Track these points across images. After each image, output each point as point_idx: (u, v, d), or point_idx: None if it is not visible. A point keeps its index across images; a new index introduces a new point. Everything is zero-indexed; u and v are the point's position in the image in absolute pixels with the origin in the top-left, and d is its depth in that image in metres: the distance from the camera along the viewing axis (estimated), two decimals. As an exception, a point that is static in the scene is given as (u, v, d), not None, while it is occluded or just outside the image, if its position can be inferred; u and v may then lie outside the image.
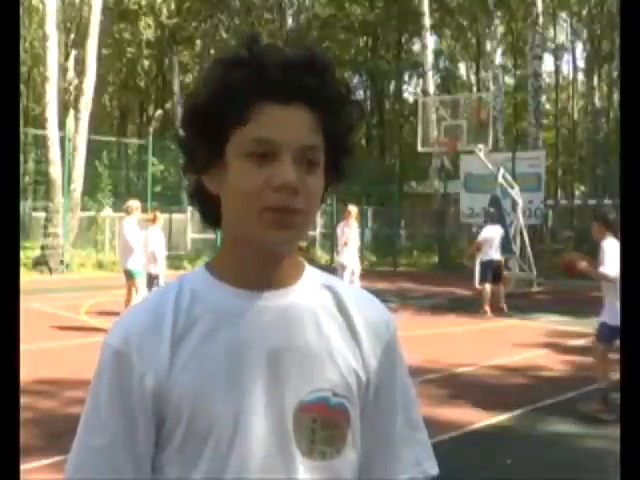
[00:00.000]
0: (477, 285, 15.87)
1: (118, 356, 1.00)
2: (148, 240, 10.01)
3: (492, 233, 12.51)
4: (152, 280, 10.62)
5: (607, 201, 22.27)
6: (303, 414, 1.01)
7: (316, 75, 0.99)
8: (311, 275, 1.10)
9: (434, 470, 1.14)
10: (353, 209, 11.73)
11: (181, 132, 1.04)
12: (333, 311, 1.08)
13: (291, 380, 1.01)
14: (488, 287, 12.29)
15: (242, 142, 0.97)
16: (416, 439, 1.14)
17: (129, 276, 9.56)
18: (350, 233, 11.44)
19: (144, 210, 21.15)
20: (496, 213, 13.43)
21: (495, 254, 12.62)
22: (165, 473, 1.02)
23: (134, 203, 9.93)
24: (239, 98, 0.97)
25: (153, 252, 9.99)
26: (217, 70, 1.00)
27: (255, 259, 1.02)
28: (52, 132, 18.64)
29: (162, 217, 11.03)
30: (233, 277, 1.04)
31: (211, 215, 1.07)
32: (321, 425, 1.02)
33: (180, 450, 1.00)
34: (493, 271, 12.47)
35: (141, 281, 9.57)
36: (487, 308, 12.08)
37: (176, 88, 30.26)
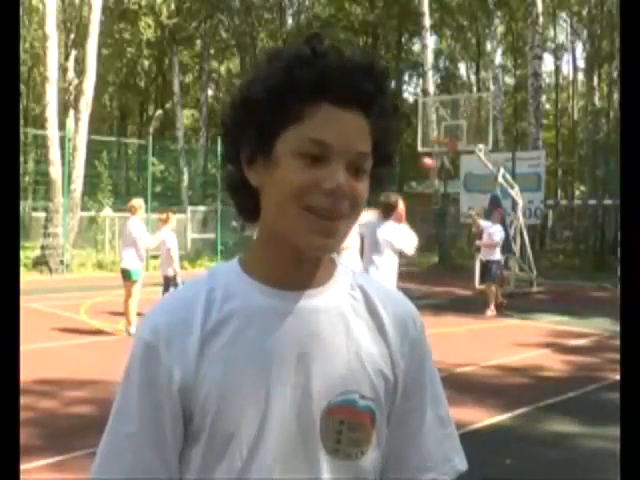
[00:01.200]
0: (477, 285, 15.90)
1: (147, 348, 1.01)
2: (164, 241, 10.00)
3: (501, 233, 12.61)
4: (169, 282, 10.60)
5: (607, 201, 22.24)
6: (330, 416, 1.01)
7: (374, 82, 0.98)
8: (342, 274, 1.10)
9: (463, 465, 1.15)
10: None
11: (228, 121, 1.03)
12: (362, 311, 1.07)
13: (319, 382, 1.01)
14: (494, 287, 12.32)
15: (296, 140, 0.96)
16: (445, 434, 1.14)
17: (127, 276, 9.44)
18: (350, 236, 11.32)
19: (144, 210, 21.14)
20: (503, 213, 13.51)
21: (499, 254, 12.67)
22: (191, 468, 1.02)
23: (137, 202, 9.79)
24: (299, 95, 0.96)
25: (169, 253, 9.98)
26: (278, 64, 0.98)
27: (290, 259, 1.02)
28: (52, 132, 18.64)
29: (174, 218, 11.04)
30: (266, 275, 1.03)
31: (248, 209, 1.06)
32: (348, 427, 1.02)
33: (206, 446, 1.00)
34: (499, 271, 12.57)
35: (139, 282, 9.48)
36: (493, 308, 12.10)
37: (176, 88, 30.24)
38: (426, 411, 1.12)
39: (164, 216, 10.69)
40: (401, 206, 8.35)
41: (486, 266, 12.73)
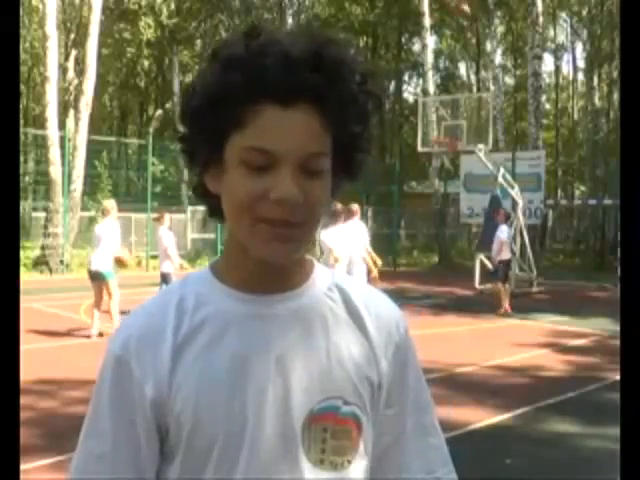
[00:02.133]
0: (477, 285, 15.91)
1: (118, 362, 0.97)
2: (160, 240, 10.20)
3: (507, 232, 12.65)
4: (165, 279, 10.72)
5: (607, 201, 22.24)
6: (313, 424, 0.96)
7: (324, 71, 0.89)
8: (320, 275, 1.04)
9: (451, 477, 1.09)
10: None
11: (181, 128, 0.97)
12: (342, 313, 1.02)
13: (299, 388, 0.95)
14: (505, 286, 12.35)
15: (238, 148, 0.90)
16: (428, 444, 1.08)
17: (101, 278, 9.22)
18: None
19: (142, 210, 21.14)
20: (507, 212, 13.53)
21: (508, 253, 12.72)
22: None
23: (109, 203, 9.73)
24: (235, 100, 0.88)
25: (166, 252, 10.15)
26: (213, 66, 0.91)
27: (259, 265, 0.96)
28: (52, 132, 18.64)
29: (168, 217, 11.13)
30: (238, 281, 0.98)
31: (215, 211, 1.00)
32: (332, 435, 0.97)
33: (183, 465, 0.95)
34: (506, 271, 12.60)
35: (114, 284, 9.28)
36: (507, 306, 12.12)
37: (176, 88, 30.23)
38: (407, 418, 1.06)
39: (158, 216, 10.86)
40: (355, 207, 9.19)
41: (497, 265, 12.72)
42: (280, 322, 0.97)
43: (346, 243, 8.47)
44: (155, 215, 10.51)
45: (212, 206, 1.00)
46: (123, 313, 9.79)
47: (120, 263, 9.62)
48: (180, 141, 0.98)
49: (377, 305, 1.06)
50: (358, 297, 1.04)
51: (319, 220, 0.95)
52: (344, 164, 0.96)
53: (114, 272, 9.41)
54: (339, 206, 8.39)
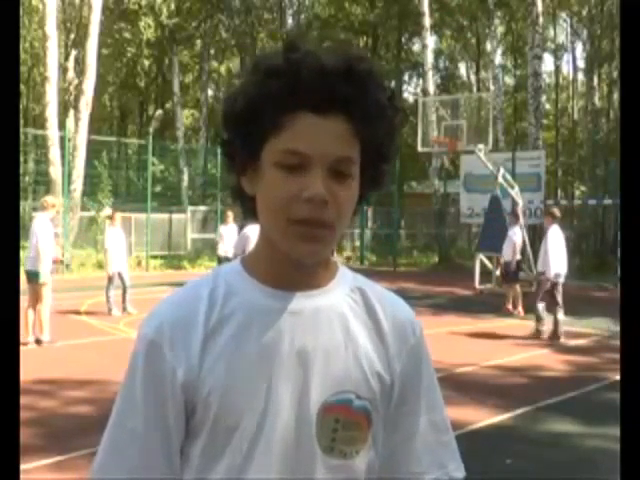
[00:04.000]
0: (477, 285, 15.91)
1: (151, 346, 1.03)
2: (105, 240, 10.55)
3: (519, 234, 12.61)
4: (110, 281, 10.90)
5: (607, 201, 22.24)
6: (326, 414, 1.03)
7: (355, 84, 0.98)
8: (343, 276, 1.11)
9: (460, 473, 1.15)
10: None
11: (223, 133, 1.05)
12: (361, 313, 1.09)
13: (317, 381, 1.03)
14: (518, 287, 12.32)
15: (275, 151, 0.98)
16: (440, 442, 1.14)
17: (34, 278, 8.50)
18: None
19: (142, 210, 21.11)
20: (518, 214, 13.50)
21: (519, 255, 12.67)
22: (191, 463, 1.04)
23: (51, 199, 9.27)
24: (273, 107, 0.97)
25: (109, 253, 10.62)
26: (254, 77, 1.00)
27: (287, 263, 1.03)
28: (52, 132, 18.65)
29: (119, 216, 11.50)
30: (266, 276, 1.05)
31: (251, 213, 1.08)
32: (343, 425, 1.04)
33: (207, 442, 1.02)
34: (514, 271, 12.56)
35: (48, 287, 8.67)
36: (510, 307, 12.12)
37: (176, 88, 30.25)
38: (420, 416, 1.12)
39: (110, 215, 11.09)
40: None
41: (506, 267, 12.69)
42: (304, 318, 1.04)
43: None
44: (107, 214, 10.47)
45: (247, 207, 1.08)
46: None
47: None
48: (222, 145, 1.06)
49: (394, 308, 1.13)
50: (376, 299, 1.12)
51: (346, 224, 1.02)
52: (370, 173, 1.04)
53: (49, 273, 8.71)
54: None
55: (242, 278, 1.07)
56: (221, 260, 13.51)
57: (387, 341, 1.09)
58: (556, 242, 9.63)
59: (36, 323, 8.55)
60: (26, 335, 8.30)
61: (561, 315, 9.70)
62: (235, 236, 12.70)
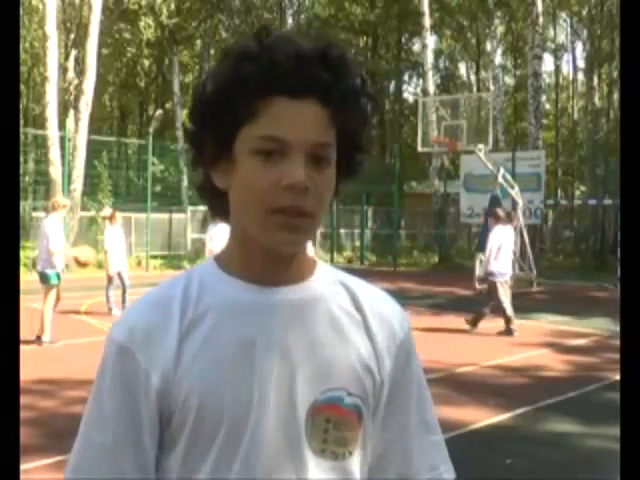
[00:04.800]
0: (477, 285, 15.89)
1: (122, 352, 0.97)
2: (105, 240, 10.42)
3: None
4: (110, 281, 10.93)
5: (607, 201, 22.23)
6: (316, 413, 0.98)
7: (330, 68, 0.95)
8: (324, 272, 1.07)
9: (450, 474, 1.11)
10: None
11: (189, 124, 1.00)
12: (348, 308, 1.04)
13: (304, 378, 0.98)
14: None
15: (251, 139, 0.94)
16: (431, 442, 1.10)
17: (43, 278, 8.53)
18: None
19: (142, 210, 21.11)
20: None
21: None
22: (170, 473, 0.98)
23: (61, 199, 9.27)
24: (248, 93, 0.93)
25: (110, 253, 10.49)
26: (226, 62, 0.96)
27: (263, 256, 0.99)
28: (52, 132, 18.64)
29: (120, 216, 11.39)
30: (243, 272, 1.00)
31: (220, 209, 1.04)
32: (334, 425, 0.99)
33: (187, 449, 0.96)
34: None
35: (57, 288, 8.61)
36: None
37: (176, 88, 30.23)
38: (411, 415, 1.08)
39: (109, 215, 11.07)
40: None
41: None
42: (285, 313, 0.99)
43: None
44: (105, 214, 10.39)
45: (216, 204, 1.04)
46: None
47: (79, 264, 8.98)
48: (188, 139, 1.01)
49: (380, 303, 1.08)
50: (362, 295, 1.07)
51: (324, 213, 0.98)
52: (345, 161, 1.00)
53: (59, 274, 8.64)
54: None
55: (216, 275, 1.02)
56: None
57: (374, 336, 1.04)
58: (498, 243, 9.77)
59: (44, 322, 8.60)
60: (42, 334, 8.44)
61: (487, 311, 10.09)
62: (226, 236, 12.44)
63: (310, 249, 7.83)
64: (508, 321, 9.91)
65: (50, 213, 8.78)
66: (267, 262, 0.99)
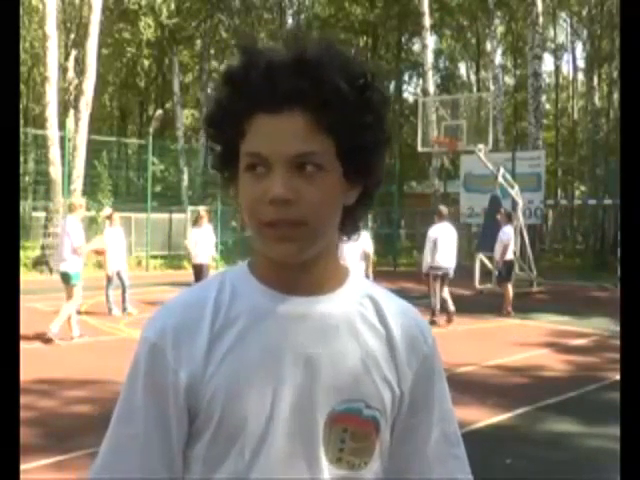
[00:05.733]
0: (477, 285, 15.90)
1: (154, 350, 1.01)
2: (104, 240, 10.49)
3: (509, 233, 12.68)
4: (109, 281, 10.95)
5: (607, 201, 22.23)
6: (334, 423, 1.00)
7: (305, 75, 0.94)
8: (354, 283, 1.08)
9: None
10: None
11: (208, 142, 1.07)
12: (372, 321, 1.06)
13: (324, 388, 1.00)
14: (510, 287, 12.35)
15: (242, 155, 0.98)
16: (451, 454, 1.12)
17: (65, 279, 8.79)
18: None
19: (142, 210, 21.10)
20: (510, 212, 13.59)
21: (511, 254, 12.82)
22: (191, 469, 1.02)
23: (78, 200, 9.56)
24: (233, 113, 0.97)
25: (108, 253, 10.58)
26: (216, 84, 1.05)
27: (282, 266, 1.01)
28: (52, 132, 18.63)
29: (117, 216, 11.45)
30: (270, 280, 1.03)
31: None
32: (351, 436, 1.01)
33: (208, 448, 1.00)
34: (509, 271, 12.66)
35: (79, 286, 8.88)
36: (510, 308, 12.12)
37: (176, 88, 30.23)
38: (432, 428, 1.10)
39: (109, 215, 11.18)
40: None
41: (501, 267, 12.76)
42: (310, 323, 1.02)
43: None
44: (105, 215, 10.45)
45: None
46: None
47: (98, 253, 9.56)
48: (212, 157, 1.06)
49: (405, 316, 1.10)
50: (388, 307, 1.08)
51: (326, 220, 0.98)
52: (351, 163, 0.98)
53: (80, 274, 8.91)
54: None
55: (248, 281, 1.05)
56: (197, 269, 11.52)
57: (397, 350, 1.06)
58: (436, 238, 10.34)
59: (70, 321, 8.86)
60: (70, 331, 8.74)
61: (436, 304, 10.54)
62: (212, 239, 11.72)
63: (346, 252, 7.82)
64: (433, 313, 10.50)
65: (69, 214, 9.10)
66: (288, 271, 1.01)
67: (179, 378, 0.99)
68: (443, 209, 10.86)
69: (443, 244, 10.32)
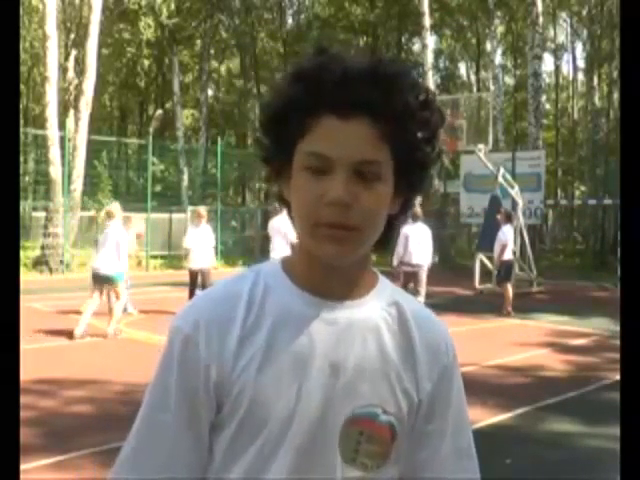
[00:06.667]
0: (477, 285, 15.91)
1: (187, 341, 1.03)
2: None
3: (508, 233, 12.71)
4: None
5: (607, 201, 22.24)
6: (351, 426, 1.03)
7: (379, 87, 0.97)
8: (382, 289, 1.11)
9: None
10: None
11: (259, 139, 1.07)
12: (395, 329, 1.08)
13: (345, 392, 1.03)
14: (510, 287, 12.35)
15: (301, 154, 0.99)
16: (462, 467, 1.14)
17: (107, 281, 9.28)
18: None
19: (142, 210, 21.13)
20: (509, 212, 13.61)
21: (510, 254, 12.84)
22: (214, 459, 1.05)
23: (115, 207, 9.72)
24: (299, 110, 0.98)
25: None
26: (285, 80, 1.02)
27: (321, 268, 1.03)
28: (52, 132, 18.64)
29: (120, 213, 11.33)
30: (303, 280, 1.05)
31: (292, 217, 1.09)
32: (367, 439, 1.04)
33: (231, 440, 1.03)
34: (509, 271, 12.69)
35: (123, 286, 9.46)
36: (510, 308, 12.11)
37: (176, 88, 30.25)
38: (445, 439, 1.11)
39: (108, 210, 11.04)
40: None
41: (500, 267, 12.79)
42: (338, 329, 1.04)
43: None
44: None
45: (290, 213, 1.08)
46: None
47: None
48: (261, 151, 1.07)
49: (429, 326, 1.13)
50: (412, 316, 1.11)
51: (377, 228, 1.02)
52: (405, 176, 1.02)
53: (122, 274, 9.43)
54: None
55: (281, 280, 1.07)
56: (193, 275, 10.68)
57: (418, 360, 1.08)
58: (408, 236, 10.81)
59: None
60: (77, 327, 9.02)
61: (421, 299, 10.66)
62: (211, 242, 10.72)
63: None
64: None
65: (109, 221, 9.47)
66: (325, 275, 1.04)
67: (210, 371, 1.02)
68: (417, 210, 11.18)
69: (414, 242, 10.73)
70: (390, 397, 1.05)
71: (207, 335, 1.02)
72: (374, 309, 1.07)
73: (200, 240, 10.68)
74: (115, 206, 9.85)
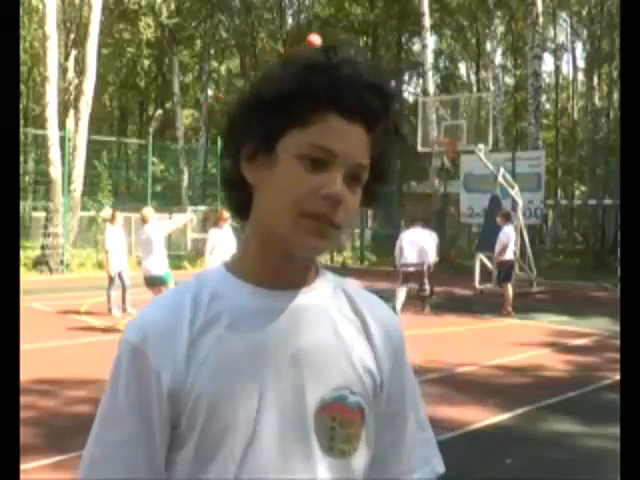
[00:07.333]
0: (477, 285, 15.91)
1: (135, 353, 1.01)
2: (106, 240, 10.67)
3: (513, 233, 12.77)
4: (111, 281, 10.95)
5: (607, 201, 22.24)
6: (324, 413, 1.02)
7: (382, 101, 1.01)
8: (325, 277, 1.11)
9: (441, 468, 1.17)
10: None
11: (233, 117, 1.04)
12: (347, 312, 1.09)
13: (311, 380, 1.02)
14: (510, 287, 12.35)
15: (301, 143, 0.98)
16: (424, 438, 1.17)
17: (160, 282, 9.37)
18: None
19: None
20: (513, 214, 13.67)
21: (511, 254, 12.91)
22: (179, 471, 1.01)
23: (149, 211, 9.97)
24: (309, 101, 0.98)
25: (111, 253, 10.64)
26: (291, 68, 1.00)
27: (279, 258, 1.03)
28: (52, 132, 18.65)
29: (121, 216, 11.65)
30: (253, 274, 1.04)
31: (240, 206, 1.07)
32: (340, 423, 1.04)
33: (196, 449, 1.00)
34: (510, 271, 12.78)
35: (172, 283, 9.44)
36: (510, 308, 12.11)
37: (176, 88, 30.25)
38: (408, 416, 1.14)
39: (110, 216, 11.26)
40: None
41: (500, 267, 12.83)
42: (291, 316, 1.04)
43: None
44: (105, 215, 10.60)
45: (239, 200, 1.06)
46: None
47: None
48: (231, 128, 1.04)
49: (377, 309, 1.14)
50: (360, 300, 1.12)
51: (348, 228, 1.02)
52: (369, 185, 1.04)
53: (170, 273, 9.76)
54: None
55: (227, 280, 1.05)
56: None
57: (374, 340, 1.09)
58: (403, 239, 12.14)
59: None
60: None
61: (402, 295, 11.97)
62: (232, 242, 10.30)
63: None
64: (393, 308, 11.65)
65: (146, 224, 9.75)
66: (279, 265, 1.03)
67: (161, 381, 0.98)
68: (413, 216, 12.09)
69: (407, 245, 11.87)
70: (355, 377, 1.05)
71: (155, 343, 1.00)
72: (323, 295, 1.08)
73: (223, 243, 10.42)
74: (148, 210, 10.06)
